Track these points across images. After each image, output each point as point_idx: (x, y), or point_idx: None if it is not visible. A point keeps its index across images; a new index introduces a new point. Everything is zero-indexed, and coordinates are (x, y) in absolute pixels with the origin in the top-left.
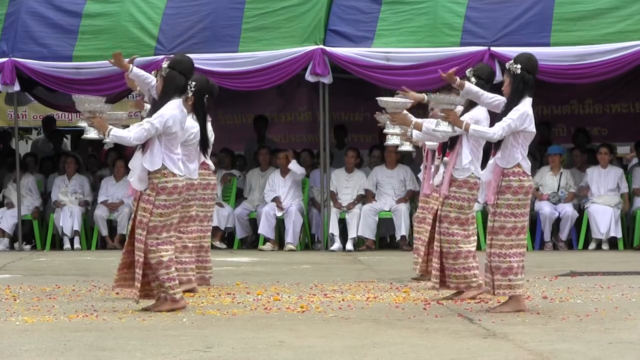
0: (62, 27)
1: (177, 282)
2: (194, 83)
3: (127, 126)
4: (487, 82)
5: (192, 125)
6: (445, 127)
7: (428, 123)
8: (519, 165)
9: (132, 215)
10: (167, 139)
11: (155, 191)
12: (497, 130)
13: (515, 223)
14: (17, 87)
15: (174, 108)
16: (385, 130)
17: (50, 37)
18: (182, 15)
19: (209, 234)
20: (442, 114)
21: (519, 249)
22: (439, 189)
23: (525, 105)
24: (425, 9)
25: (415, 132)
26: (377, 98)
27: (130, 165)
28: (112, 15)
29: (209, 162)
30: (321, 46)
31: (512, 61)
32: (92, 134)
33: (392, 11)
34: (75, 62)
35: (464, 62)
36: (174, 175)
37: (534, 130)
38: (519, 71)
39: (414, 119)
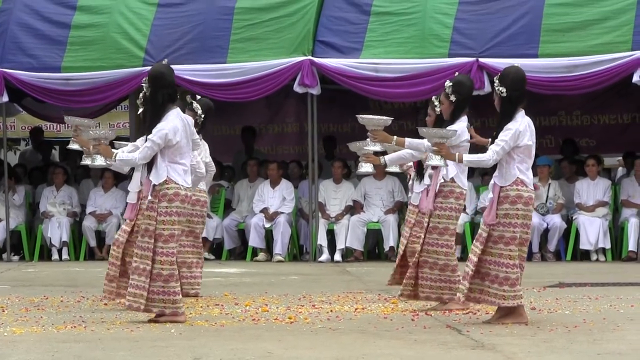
0: (51, 38)
1: (180, 296)
2: (203, 114)
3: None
4: (467, 98)
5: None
6: (437, 162)
7: (411, 140)
8: (517, 178)
9: (127, 229)
10: (170, 151)
11: (157, 198)
12: (492, 156)
13: (514, 233)
14: (5, 98)
15: (173, 119)
16: (365, 147)
17: (39, 48)
18: (171, 26)
19: (198, 250)
20: (434, 148)
21: (518, 261)
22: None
23: (517, 121)
24: (413, 20)
25: (388, 159)
26: (357, 116)
27: (130, 188)
28: (101, 27)
29: None
30: (309, 57)
31: (497, 81)
32: (98, 161)
33: (380, 22)
34: (64, 73)
35: (452, 73)
36: (176, 183)
37: (530, 142)
38: (504, 94)
39: (395, 137)
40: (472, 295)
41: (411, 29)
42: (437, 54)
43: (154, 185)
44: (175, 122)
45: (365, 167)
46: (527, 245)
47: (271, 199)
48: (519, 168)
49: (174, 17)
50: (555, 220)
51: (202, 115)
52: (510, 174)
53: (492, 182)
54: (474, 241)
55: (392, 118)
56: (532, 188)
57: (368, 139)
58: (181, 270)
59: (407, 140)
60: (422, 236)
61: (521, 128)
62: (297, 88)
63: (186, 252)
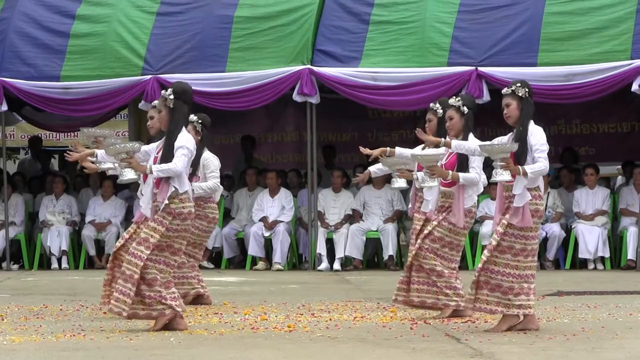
0: (50, 47)
1: (179, 301)
2: (199, 120)
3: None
4: (474, 111)
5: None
6: (506, 177)
7: (464, 175)
8: (537, 187)
9: (127, 235)
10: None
11: (171, 215)
12: (545, 163)
13: (525, 245)
14: (4, 107)
15: (189, 134)
16: (423, 184)
17: (38, 57)
18: (170, 35)
19: (196, 259)
20: (501, 163)
21: (524, 271)
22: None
23: (536, 126)
24: (412, 29)
25: (421, 176)
26: (411, 154)
27: (140, 193)
28: (100, 35)
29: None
30: (309, 66)
31: (518, 84)
32: (129, 175)
33: (379, 31)
34: (63, 82)
35: (451, 82)
36: (190, 201)
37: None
38: (527, 95)
39: (450, 172)
40: (477, 305)
41: (410, 37)
42: (436, 62)
43: (168, 203)
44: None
45: (400, 182)
46: (536, 255)
47: (270, 208)
48: None
49: (173, 26)
50: (554, 229)
51: (199, 121)
52: (535, 179)
53: (520, 184)
54: (485, 250)
55: (443, 152)
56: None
57: (425, 176)
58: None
59: (461, 175)
60: (420, 242)
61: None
62: (296, 97)
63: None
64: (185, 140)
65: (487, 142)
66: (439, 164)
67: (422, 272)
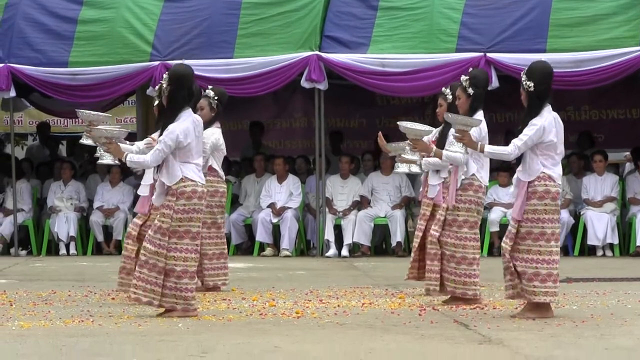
0: (58, 33)
1: (193, 293)
2: (216, 97)
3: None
4: (483, 91)
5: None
6: (458, 148)
7: (448, 153)
8: (543, 173)
9: (139, 222)
10: (182, 152)
11: (175, 196)
12: (513, 150)
13: (544, 229)
14: (12, 93)
15: (185, 120)
16: (403, 156)
17: (46, 43)
18: (178, 21)
19: (221, 240)
20: (457, 135)
21: (548, 256)
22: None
23: (543, 117)
24: (421, 15)
25: (424, 161)
26: (398, 123)
27: (142, 181)
28: (108, 22)
29: (219, 168)
30: (317, 52)
31: (524, 76)
32: (107, 159)
33: (387, 17)
34: (71, 68)
35: (459, 68)
36: (192, 180)
37: (555, 139)
38: (532, 89)
39: (434, 147)
40: (507, 292)
41: (419, 23)
42: (444, 49)
43: (170, 186)
44: (187, 124)
45: (402, 168)
46: (559, 240)
47: (278, 194)
48: (542, 163)
49: (180, 12)
50: (563, 216)
51: (216, 97)
52: (534, 169)
53: (515, 176)
54: (504, 238)
55: (433, 129)
56: (560, 183)
57: (407, 147)
58: (202, 262)
59: (445, 153)
60: (439, 230)
61: (546, 124)
62: (304, 83)
63: (207, 244)
64: (167, 133)
65: (456, 115)
66: (426, 139)
67: (444, 259)
